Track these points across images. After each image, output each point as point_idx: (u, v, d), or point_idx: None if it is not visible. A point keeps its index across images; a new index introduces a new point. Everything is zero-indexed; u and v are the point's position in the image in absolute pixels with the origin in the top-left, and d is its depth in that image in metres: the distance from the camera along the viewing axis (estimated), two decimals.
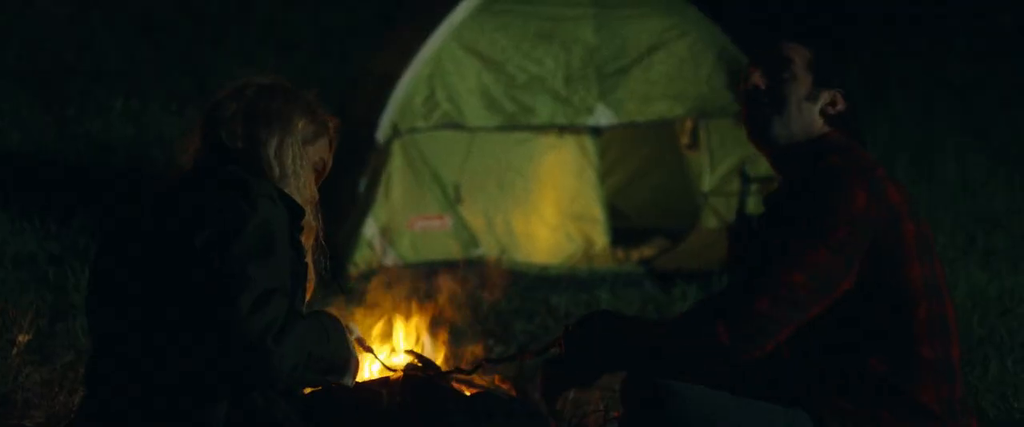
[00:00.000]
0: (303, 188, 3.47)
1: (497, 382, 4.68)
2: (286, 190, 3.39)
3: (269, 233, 3.15)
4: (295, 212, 3.37)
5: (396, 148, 7.62)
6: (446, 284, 6.50)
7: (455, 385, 4.04)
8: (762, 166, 8.29)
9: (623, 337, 3.40)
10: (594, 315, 3.57)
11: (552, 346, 3.73)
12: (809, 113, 3.42)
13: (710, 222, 8.37)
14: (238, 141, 3.39)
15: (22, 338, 5.34)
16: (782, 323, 3.18)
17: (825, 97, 3.42)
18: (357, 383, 3.53)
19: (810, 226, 3.20)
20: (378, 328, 4.80)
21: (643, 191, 9.21)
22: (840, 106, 3.44)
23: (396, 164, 7.64)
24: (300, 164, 3.45)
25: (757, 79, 3.44)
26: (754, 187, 8.16)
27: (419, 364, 4.07)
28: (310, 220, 3.51)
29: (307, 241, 3.52)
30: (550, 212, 8.48)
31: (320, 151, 3.56)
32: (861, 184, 3.22)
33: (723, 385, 3.33)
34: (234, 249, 3.07)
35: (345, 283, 7.01)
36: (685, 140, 8.64)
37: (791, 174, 3.44)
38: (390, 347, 4.65)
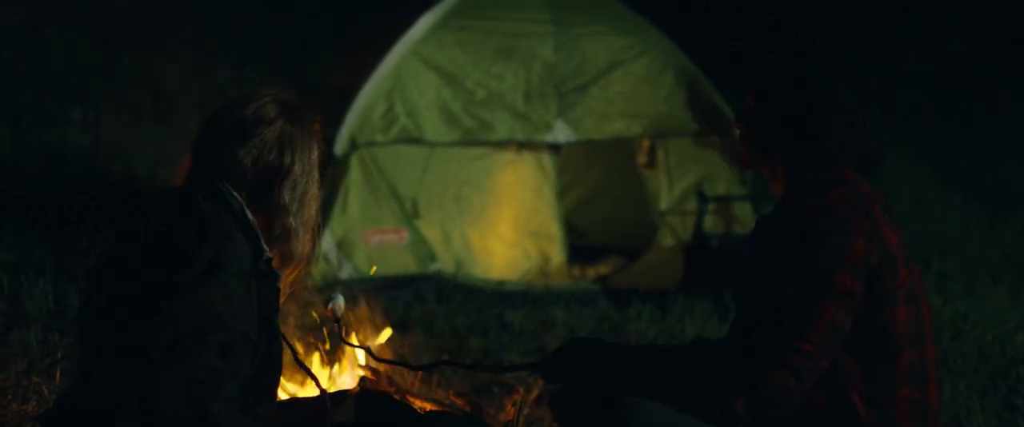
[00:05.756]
0: (309, 218, 3.38)
1: (452, 398, 4.66)
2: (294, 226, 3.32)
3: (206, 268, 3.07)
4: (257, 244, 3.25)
5: (354, 161, 7.61)
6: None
7: (410, 401, 4.00)
8: (719, 185, 8.34)
9: (630, 371, 3.39)
10: (578, 342, 3.59)
11: (523, 369, 3.70)
12: (792, 167, 3.37)
13: (666, 241, 8.38)
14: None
15: None
16: (802, 391, 3.12)
17: (800, 147, 3.36)
18: (311, 399, 3.48)
19: (813, 275, 3.12)
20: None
21: (600, 209, 9.24)
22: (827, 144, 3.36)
23: (354, 177, 7.63)
24: (309, 195, 3.37)
25: (740, 135, 3.44)
26: (711, 206, 8.20)
27: (378, 364, 3.96)
28: (297, 247, 3.37)
29: (291, 274, 3.41)
30: (507, 228, 8.48)
31: (318, 159, 3.44)
32: (859, 227, 3.16)
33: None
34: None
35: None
36: (642, 159, 8.66)
37: (789, 199, 3.39)
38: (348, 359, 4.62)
